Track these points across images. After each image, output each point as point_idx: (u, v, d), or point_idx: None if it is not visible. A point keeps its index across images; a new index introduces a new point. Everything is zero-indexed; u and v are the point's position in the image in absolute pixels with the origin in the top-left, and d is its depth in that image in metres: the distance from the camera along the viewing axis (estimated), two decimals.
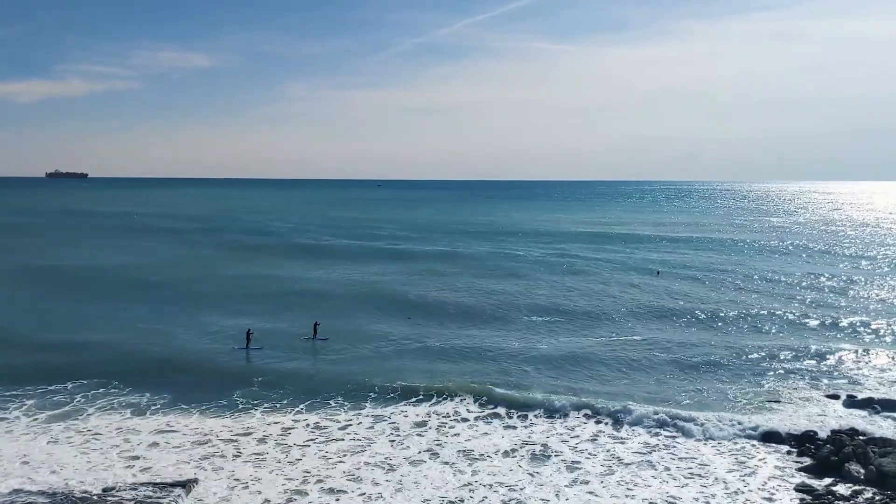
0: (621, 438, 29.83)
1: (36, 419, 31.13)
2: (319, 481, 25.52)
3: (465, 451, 28.31)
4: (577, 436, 30.03)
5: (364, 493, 24.68)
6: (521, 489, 25.03)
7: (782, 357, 42.26)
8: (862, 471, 25.95)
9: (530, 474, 26.23)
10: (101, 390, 34.74)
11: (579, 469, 26.71)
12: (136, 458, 27.27)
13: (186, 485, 24.48)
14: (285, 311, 53.75)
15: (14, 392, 34.18)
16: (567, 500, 24.33)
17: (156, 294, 60.18)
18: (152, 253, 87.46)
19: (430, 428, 30.93)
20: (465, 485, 25.31)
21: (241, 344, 42.60)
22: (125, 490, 24.02)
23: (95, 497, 23.26)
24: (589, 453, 28.23)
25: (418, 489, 25.00)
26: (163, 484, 24.51)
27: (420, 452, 28.13)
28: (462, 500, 24.17)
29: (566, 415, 32.27)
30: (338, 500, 24.27)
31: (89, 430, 29.93)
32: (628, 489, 25.09)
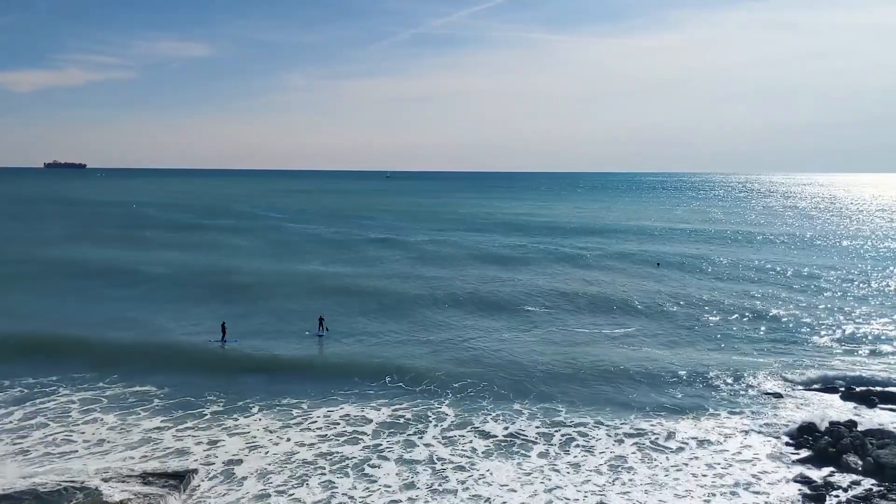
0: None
1: (31, 413, 30.99)
2: (316, 471, 25.54)
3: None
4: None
5: (368, 484, 24.72)
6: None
7: (781, 349, 42.24)
8: (860, 462, 25.99)
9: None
10: (89, 384, 34.51)
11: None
12: (132, 450, 27.19)
13: (184, 476, 24.47)
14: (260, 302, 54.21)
15: (5, 384, 34.10)
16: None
17: (144, 287, 60.02)
18: (144, 245, 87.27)
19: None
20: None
21: (216, 337, 42.65)
22: (122, 481, 23.97)
23: (93, 489, 23.22)
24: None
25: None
26: (160, 475, 24.48)
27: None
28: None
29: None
30: (333, 486, 24.30)
31: (85, 424, 29.83)
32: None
